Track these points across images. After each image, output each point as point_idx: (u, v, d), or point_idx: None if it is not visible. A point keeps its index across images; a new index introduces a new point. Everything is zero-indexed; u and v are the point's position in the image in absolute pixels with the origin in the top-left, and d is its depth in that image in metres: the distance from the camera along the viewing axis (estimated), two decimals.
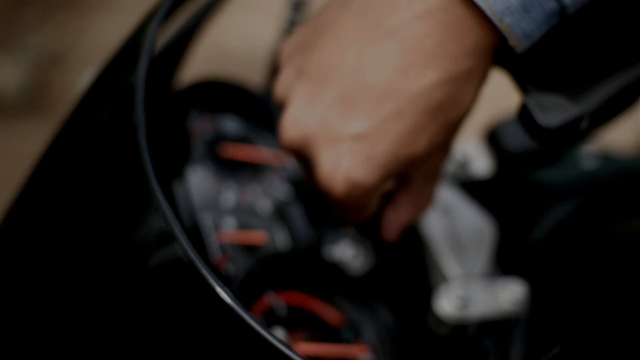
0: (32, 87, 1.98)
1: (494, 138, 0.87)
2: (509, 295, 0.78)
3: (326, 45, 0.63)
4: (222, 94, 0.83)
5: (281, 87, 0.66)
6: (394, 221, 0.71)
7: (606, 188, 0.97)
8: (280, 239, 0.77)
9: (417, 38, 0.60)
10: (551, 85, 0.64)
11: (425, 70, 0.61)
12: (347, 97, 0.62)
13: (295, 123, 0.63)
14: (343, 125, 0.62)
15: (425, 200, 0.72)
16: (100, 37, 2.05)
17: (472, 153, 0.87)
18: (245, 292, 0.71)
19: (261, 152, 0.81)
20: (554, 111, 0.63)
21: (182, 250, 0.61)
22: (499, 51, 0.62)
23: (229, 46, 1.99)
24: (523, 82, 0.65)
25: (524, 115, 0.64)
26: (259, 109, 0.83)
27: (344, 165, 0.62)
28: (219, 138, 0.81)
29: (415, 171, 0.69)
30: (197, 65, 0.92)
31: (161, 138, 0.74)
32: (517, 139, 0.86)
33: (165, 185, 0.67)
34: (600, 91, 0.64)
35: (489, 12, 0.59)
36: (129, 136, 0.63)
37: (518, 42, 0.60)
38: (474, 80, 0.62)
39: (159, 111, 0.73)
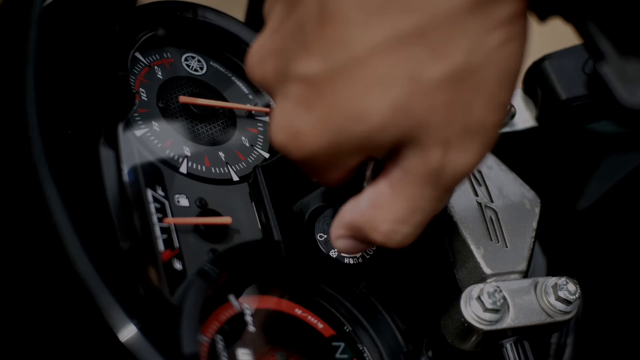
0: None
1: (538, 77, 0.78)
2: (557, 298, 0.69)
3: None
4: (184, 23, 0.72)
5: (267, 4, 0.61)
6: (340, 214, 0.62)
7: None
8: (251, 222, 0.67)
9: None
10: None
11: (392, 5, 0.53)
12: (306, 28, 0.55)
13: (258, 50, 0.59)
14: (295, 63, 0.56)
15: (397, 206, 0.58)
16: None
17: (512, 102, 0.79)
18: (198, 298, 0.60)
19: (232, 101, 0.72)
20: None
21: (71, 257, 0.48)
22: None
23: None
24: (596, 42, 0.54)
25: (598, 86, 0.57)
26: (232, 46, 0.73)
27: (288, 112, 0.57)
28: (177, 81, 0.71)
29: (393, 159, 0.58)
30: None
31: (86, 75, 0.65)
32: (570, 80, 0.77)
33: (76, 150, 0.60)
34: None
35: None
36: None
37: None
38: (472, 26, 0.53)
39: (85, 39, 0.65)
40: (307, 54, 0.55)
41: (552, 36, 0.84)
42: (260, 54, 0.59)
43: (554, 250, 0.80)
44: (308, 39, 0.55)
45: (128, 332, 0.47)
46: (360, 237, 0.60)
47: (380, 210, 0.58)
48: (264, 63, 0.58)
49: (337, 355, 0.65)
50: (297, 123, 0.56)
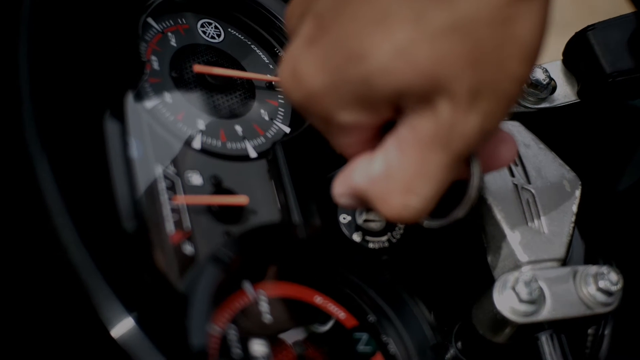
0: None
1: (581, 49, 0.76)
2: (597, 289, 0.67)
3: None
4: None
5: None
6: (350, 172, 0.60)
7: None
8: (269, 202, 0.65)
9: None
10: None
11: None
12: None
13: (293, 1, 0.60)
14: (313, 1, 0.57)
15: (405, 171, 0.57)
16: None
17: (552, 75, 0.77)
18: (210, 285, 0.58)
19: (251, 71, 0.71)
20: None
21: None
22: None
23: None
24: None
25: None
26: (252, 11, 0.73)
27: (295, 50, 0.57)
28: (192, 48, 0.70)
29: (402, 115, 0.56)
30: None
31: (92, 42, 0.63)
32: (616, 53, 0.75)
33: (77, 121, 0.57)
34: None
35: None
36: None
37: None
38: None
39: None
40: None
41: (591, 10, 0.82)
42: (294, 2, 0.59)
43: (592, 234, 0.78)
44: None
45: (122, 328, 0.44)
46: (365, 204, 0.59)
47: (391, 181, 0.56)
48: (294, 10, 0.59)
49: (360, 347, 0.64)
50: (299, 61, 0.56)
